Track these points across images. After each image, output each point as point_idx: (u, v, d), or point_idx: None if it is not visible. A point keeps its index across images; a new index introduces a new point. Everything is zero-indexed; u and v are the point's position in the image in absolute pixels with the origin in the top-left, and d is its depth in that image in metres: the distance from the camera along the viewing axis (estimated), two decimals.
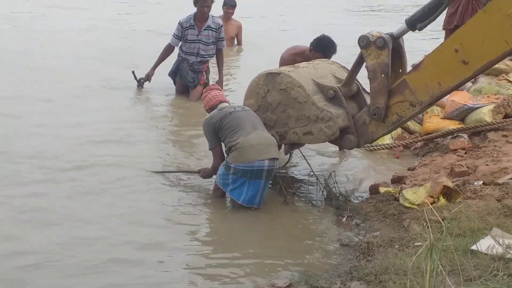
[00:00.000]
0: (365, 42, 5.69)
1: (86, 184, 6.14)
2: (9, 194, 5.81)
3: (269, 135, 5.95)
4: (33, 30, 12.87)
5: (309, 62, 6.57)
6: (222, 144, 5.98)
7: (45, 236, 5.16)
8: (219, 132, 5.92)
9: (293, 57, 7.38)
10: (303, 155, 6.50)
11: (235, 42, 12.28)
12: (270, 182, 5.96)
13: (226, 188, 5.88)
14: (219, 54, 9.40)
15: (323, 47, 7.20)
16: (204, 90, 6.52)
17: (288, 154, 6.47)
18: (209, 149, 6.08)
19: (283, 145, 6.35)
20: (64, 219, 5.46)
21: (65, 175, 6.28)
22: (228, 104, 6.19)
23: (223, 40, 9.36)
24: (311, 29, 13.57)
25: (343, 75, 6.26)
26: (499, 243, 4.29)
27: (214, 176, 6.06)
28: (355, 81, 6.17)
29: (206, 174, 6.19)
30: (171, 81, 9.47)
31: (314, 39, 7.29)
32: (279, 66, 7.28)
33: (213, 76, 9.53)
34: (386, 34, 5.68)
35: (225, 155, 5.92)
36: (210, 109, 6.18)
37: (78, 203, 5.76)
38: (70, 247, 5.03)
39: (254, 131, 5.83)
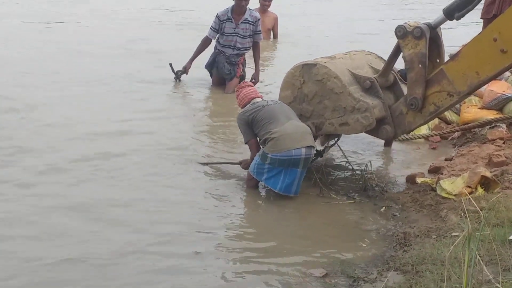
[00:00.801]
0: (402, 32, 5.66)
1: (128, 173, 6.23)
2: (57, 181, 5.97)
3: (303, 124, 5.95)
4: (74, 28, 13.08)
5: (345, 53, 6.57)
6: (257, 134, 6.00)
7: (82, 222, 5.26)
8: (253, 126, 5.95)
9: None
10: (339, 146, 6.50)
11: (271, 34, 12.27)
12: (305, 172, 5.96)
13: (260, 177, 5.89)
14: (255, 47, 9.41)
15: None
16: (236, 89, 6.55)
17: (324, 146, 6.47)
18: (245, 143, 6.13)
19: (319, 136, 6.36)
20: (105, 207, 5.55)
21: (107, 164, 6.38)
22: (261, 99, 6.21)
23: (260, 33, 9.38)
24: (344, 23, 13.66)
25: (380, 66, 6.24)
26: None
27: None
28: (392, 71, 6.14)
29: (248, 164, 6.22)
30: (208, 73, 9.52)
31: None
32: None
33: (250, 68, 9.56)
34: (424, 23, 5.64)
35: (261, 147, 5.94)
36: (244, 106, 6.21)
37: (119, 192, 5.84)
38: (105, 235, 5.10)
39: (288, 121, 5.85)
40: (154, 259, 4.76)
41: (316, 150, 6.34)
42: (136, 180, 6.09)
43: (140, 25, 13.52)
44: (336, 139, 6.49)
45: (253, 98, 6.21)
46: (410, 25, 5.65)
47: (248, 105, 6.13)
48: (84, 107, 8.05)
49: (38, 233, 5.04)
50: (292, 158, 5.74)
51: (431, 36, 5.63)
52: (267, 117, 5.88)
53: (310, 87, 6.13)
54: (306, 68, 6.16)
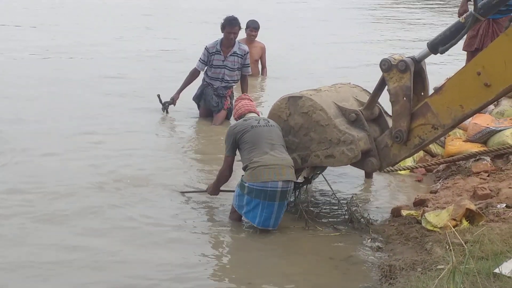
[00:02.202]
0: (387, 66, 5.71)
1: (107, 201, 6.25)
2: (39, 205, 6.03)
3: (286, 156, 5.94)
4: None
5: (331, 85, 6.62)
6: (240, 154, 6.03)
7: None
8: (239, 144, 5.98)
9: None
10: (325, 178, 6.51)
11: (259, 65, 12.28)
12: (289, 205, 5.95)
13: (241, 210, 5.89)
14: (244, 80, 9.48)
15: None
16: (236, 98, 6.59)
17: (309, 177, 6.49)
18: (225, 155, 6.14)
19: (304, 168, 6.38)
20: (81, 233, 5.57)
21: (88, 191, 6.42)
22: (255, 115, 6.24)
23: (249, 66, 9.45)
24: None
25: (365, 99, 6.29)
26: None
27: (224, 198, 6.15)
28: (377, 104, 6.18)
29: (211, 188, 6.28)
30: (195, 105, 9.56)
31: None
32: None
33: None
34: (408, 57, 5.70)
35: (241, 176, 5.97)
36: (239, 118, 6.26)
37: (97, 219, 5.86)
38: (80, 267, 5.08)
39: (271, 151, 5.85)
40: None
41: (304, 178, 6.36)
42: (114, 215, 6.06)
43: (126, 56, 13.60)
44: (321, 170, 6.50)
45: (249, 112, 6.25)
46: (395, 59, 5.70)
47: (240, 120, 6.16)
48: (64, 141, 8.00)
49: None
50: (268, 190, 5.73)
51: (415, 69, 5.68)
52: (252, 141, 5.89)
53: (296, 119, 6.17)
54: (292, 101, 6.20)
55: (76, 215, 5.95)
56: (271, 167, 5.75)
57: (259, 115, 6.33)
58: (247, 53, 9.37)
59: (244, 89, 9.48)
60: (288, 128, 6.18)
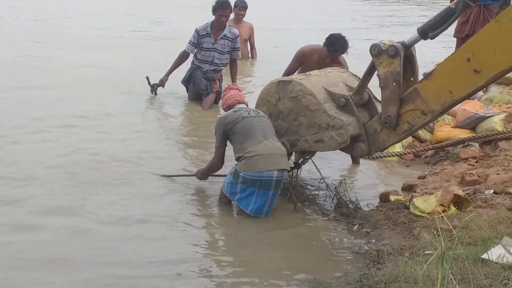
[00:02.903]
0: (377, 51, 5.70)
1: (96, 187, 6.18)
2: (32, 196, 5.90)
3: (280, 145, 5.95)
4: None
5: (320, 70, 6.60)
6: (232, 145, 6.01)
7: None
8: (229, 135, 5.95)
9: (311, 52, 7.72)
10: (314, 163, 6.51)
11: (248, 45, 12.22)
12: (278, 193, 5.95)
13: (233, 197, 5.88)
14: (233, 64, 9.44)
15: (328, 41, 7.47)
16: (224, 88, 6.56)
17: (299, 162, 6.49)
18: (215, 146, 6.12)
19: (294, 152, 6.37)
20: (77, 228, 5.45)
21: (80, 178, 6.34)
22: (245, 106, 6.21)
23: (238, 50, 9.41)
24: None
25: (355, 84, 6.28)
26: (509, 252, 4.28)
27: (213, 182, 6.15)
28: (367, 90, 6.18)
29: (201, 173, 6.27)
30: (184, 88, 9.52)
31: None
32: (294, 58, 7.71)
33: (226, 85, 9.55)
34: (398, 42, 5.68)
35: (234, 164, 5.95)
36: (228, 108, 6.23)
37: (88, 205, 5.79)
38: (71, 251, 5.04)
39: (265, 140, 5.84)
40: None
41: (295, 163, 6.36)
42: (105, 196, 6.02)
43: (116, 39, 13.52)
44: (311, 155, 6.50)
45: (238, 102, 6.22)
46: (384, 44, 5.69)
47: (230, 111, 6.12)
48: (57, 121, 7.99)
49: None
50: (263, 179, 5.73)
51: (405, 55, 5.67)
52: (244, 131, 5.87)
53: (285, 104, 6.15)
54: (282, 85, 6.18)
55: (58, 202, 5.88)
56: (266, 156, 5.74)
57: (247, 105, 6.30)
58: (238, 36, 9.34)
59: (233, 73, 9.45)
60: (277, 113, 6.17)
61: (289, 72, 7.74)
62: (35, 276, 4.66)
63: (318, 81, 6.19)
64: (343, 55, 7.59)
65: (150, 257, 5.02)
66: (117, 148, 7.25)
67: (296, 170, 6.51)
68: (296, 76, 6.30)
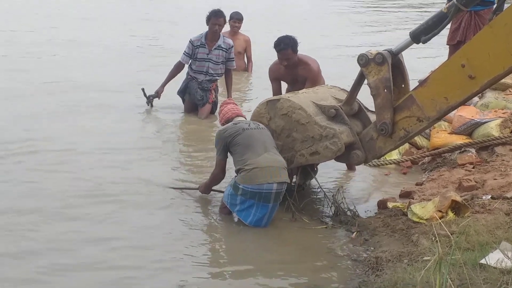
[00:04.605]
0: (364, 60, 5.74)
1: (96, 203, 6.15)
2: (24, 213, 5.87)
3: (280, 157, 5.95)
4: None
5: (308, 88, 6.72)
6: (232, 157, 6.02)
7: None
8: (230, 147, 5.96)
9: (277, 66, 7.79)
10: (311, 171, 6.51)
11: (245, 58, 12.21)
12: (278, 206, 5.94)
13: (233, 208, 5.88)
14: (228, 74, 9.45)
15: (274, 45, 7.53)
16: (221, 104, 6.57)
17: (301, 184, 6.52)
18: (216, 159, 6.13)
19: (295, 175, 6.39)
20: (80, 242, 5.45)
21: (78, 197, 6.29)
22: (244, 119, 6.23)
23: (233, 60, 9.43)
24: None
25: (344, 97, 6.31)
26: (508, 256, 4.29)
27: (215, 193, 6.18)
28: (356, 100, 6.21)
29: (203, 187, 6.28)
30: (180, 99, 9.53)
31: None
32: (270, 79, 7.83)
33: (222, 95, 9.58)
34: (385, 50, 5.73)
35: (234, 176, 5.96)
36: (226, 122, 6.23)
37: (93, 225, 5.75)
38: (73, 266, 5.04)
39: (264, 152, 5.84)
40: None
41: (299, 185, 6.37)
42: (106, 210, 6.01)
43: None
44: (312, 177, 6.54)
45: (237, 115, 6.23)
46: (371, 53, 5.73)
47: (229, 124, 6.12)
48: (45, 140, 7.90)
49: None
50: (263, 192, 5.73)
51: (393, 62, 5.70)
52: (244, 144, 5.87)
53: (277, 122, 6.19)
54: (271, 104, 6.24)
55: (62, 216, 5.87)
56: (266, 169, 5.75)
57: (245, 118, 6.32)
58: (232, 47, 9.36)
59: (228, 84, 9.46)
60: (270, 133, 6.18)
61: (275, 94, 7.76)
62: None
63: (306, 97, 6.27)
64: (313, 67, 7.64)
65: (152, 267, 5.03)
66: (116, 163, 7.23)
67: (303, 187, 6.54)
68: (284, 94, 6.40)
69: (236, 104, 6.46)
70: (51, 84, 10.45)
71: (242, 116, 6.29)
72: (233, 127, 6.00)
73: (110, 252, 5.24)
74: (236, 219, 5.98)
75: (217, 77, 9.42)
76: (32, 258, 5.07)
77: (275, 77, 7.87)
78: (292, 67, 7.58)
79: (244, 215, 5.82)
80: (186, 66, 9.37)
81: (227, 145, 5.96)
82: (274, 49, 7.51)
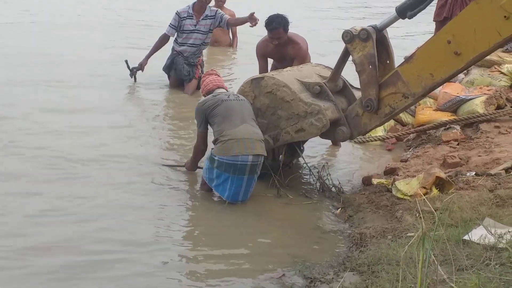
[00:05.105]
0: (349, 37, 5.72)
1: (81, 179, 6.11)
2: (18, 188, 5.84)
3: (257, 130, 5.92)
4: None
5: (293, 66, 6.71)
6: (212, 129, 6.00)
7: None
8: (209, 119, 5.95)
9: (264, 43, 7.76)
10: (297, 148, 6.51)
11: (230, 33, 12.15)
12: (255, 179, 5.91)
13: (211, 183, 5.86)
14: (229, 26, 9.58)
15: (266, 23, 7.53)
16: (203, 75, 6.53)
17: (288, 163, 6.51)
18: (197, 131, 6.13)
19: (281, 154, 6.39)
20: (62, 213, 5.43)
21: (63, 171, 6.26)
22: (224, 90, 6.20)
23: (223, 15, 9.29)
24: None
25: (328, 75, 6.29)
26: (491, 232, 4.30)
27: (200, 170, 6.16)
28: (341, 77, 6.20)
29: (189, 164, 6.28)
30: (165, 75, 9.47)
31: None
32: (257, 57, 7.80)
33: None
34: (369, 26, 5.71)
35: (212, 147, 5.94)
36: (207, 93, 6.21)
37: (77, 199, 5.71)
38: (65, 238, 5.02)
39: (242, 124, 5.82)
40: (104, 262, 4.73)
41: (285, 164, 6.37)
42: (91, 187, 5.97)
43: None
44: (299, 155, 6.53)
45: (218, 87, 6.21)
46: (356, 29, 5.72)
47: (209, 95, 6.11)
48: (35, 111, 7.88)
49: None
50: (238, 163, 5.71)
51: (378, 38, 5.69)
52: (222, 115, 5.85)
53: (262, 101, 6.18)
54: (255, 83, 6.22)
55: (43, 195, 5.80)
56: (242, 140, 5.73)
57: (227, 90, 6.29)
58: (217, 10, 9.33)
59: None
60: (255, 111, 6.17)
61: (262, 71, 7.74)
62: None
63: (290, 75, 6.28)
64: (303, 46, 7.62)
65: (133, 247, 4.98)
66: (101, 139, 7.18)
67: (289, 165, 6.54)
68: (268, 73, 6.38)
69: (218, 75, 6.41)
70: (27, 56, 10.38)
71: (223, 87, 6.26)
72: (213, 99, 5.99)
73: (90, 232, 5.16)
74: (217, 196, 5.94)
75: (204, 46, 9.36)
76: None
77: (263, 54, 7.84)
78: (282, 46, 7.55)
79: (221, 189, 5.80)
80: (171, 42, 9.30)
81: (206, 117, 5.95)
82: (265, 28, 7.48)
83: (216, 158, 5.75)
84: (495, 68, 8.21)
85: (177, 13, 9.15)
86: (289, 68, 6.62)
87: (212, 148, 5.87)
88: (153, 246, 5.03)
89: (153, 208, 5.67)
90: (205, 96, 6.22)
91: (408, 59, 5.65)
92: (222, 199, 5.85)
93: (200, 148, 6.14)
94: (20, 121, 7.50)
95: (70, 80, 9.25)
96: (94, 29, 12.93)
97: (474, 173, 5.88)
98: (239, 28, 12.04)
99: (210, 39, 9.42)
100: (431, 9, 5.94)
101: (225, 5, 11.86)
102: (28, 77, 9.20)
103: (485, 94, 7.54)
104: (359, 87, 5.92)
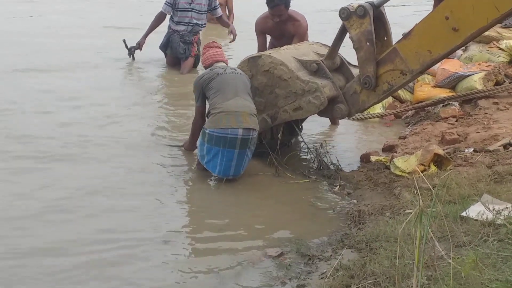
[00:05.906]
0: (346, 14, 5.69)
1: (80, 161, 6.09)
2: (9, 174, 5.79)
3: (250, 103, 5.88)
4: None
5: (290, 45, 6.69)
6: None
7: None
8: (205, 93, 5.93)
9: (264, 20, 7.74)
10: (294, 125, 6.49)
11: (226, 10, 12.09)
12: (249, 155, 5.88)
13: (202, 160, 5.81)
14: (220, 21, 9.60)
15: (267, 1, 7.50)
16: (203, 47, 6.50)
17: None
18: (195, 106, 6.11)
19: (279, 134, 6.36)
20: (67, 197, 5.39)
21: (58, 152, 6.24)
22: (224, 64, 6.17)
23: (218, 7, 9.32)
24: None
25: (325, 53, 6.27)
26: (489, 209, 4.30)
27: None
28: (339, 55, 6.18)
29: (188, 143, 6.26)
30: (162, 54, 9.44)
31: None
32: (256, 34, 7.77)
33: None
34: (366, 2, 5.68)
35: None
36: (207, 67, 6.20)
37: (77, 181, 5.68)
38: (58, 222, 5.01)
39: (234, 97, 5.78)
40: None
41: (284, 143, 6.35)
42: (88, 168, 5.95)
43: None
44: (297, 135, 6.52)
45: (217, 61, 6.18)
46: (353, 6, 5.68)
47: (207, 69, 6.10)
48: (31, 96, 7.82)
49: None
50: (228, 136, 5.66)
51: (375, 14, 5.66)
52: (217, 88, 5.83)
53: (259, 79, 6.15)
54: (252, 61, 6.18)
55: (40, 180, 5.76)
56: (233, 113, 5.69)
57: (227, 64, 6.25)
58: None
59: (224, 23, 9.64)
60: (253, 90, 6.14)
61: (260, 48, 7.75)
62: None
63: (287, 53, 6.25)
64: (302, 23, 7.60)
65: (133, 228, 4.97)
66: (99, 118, 7.17)
67: (288, 144, 6.54)
68: (265, 51, 6.35)
69: (219, 47, 6.36)
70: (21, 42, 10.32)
71: (223, 61, 6.23)
72: (209, 73, 5.97)
73: (91, 215, 5.14)
74: (213, 175, 5.89)
75: (200, 28, 9.32)
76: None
77: (262, 31, 7.80)
78: (282, 22, 7.52)
79: (211, 165, 5.76)
80: (168, 20, 9.26)
81: (203, 90, 5.93)
82: (267, 5, 7.45)
83: (206, 131, 5.72)
84: (494, 44, 8.17)
85: None
86: (286, 46, 6.60)
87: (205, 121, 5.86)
88: (147, 225, 5.01)
89: (147, 189, 5.62)
90: (205, 69, 6.20)
91: (406, 36, 5.62)
92: (219, 179, 5.81)
93: (198, 123, 6.07)
94: (15, 104, 7.51)
95: (69, 61, 9.21)
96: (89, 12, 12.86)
97: (472, 149, 5.88)
98: (235, 4, 12.03)
99: (206, 21, 9.36)
100: None
101: None
102: (29, 63, 9.15)
103: (483, 70, 7.51)
104: (356, 64, 5.89)
